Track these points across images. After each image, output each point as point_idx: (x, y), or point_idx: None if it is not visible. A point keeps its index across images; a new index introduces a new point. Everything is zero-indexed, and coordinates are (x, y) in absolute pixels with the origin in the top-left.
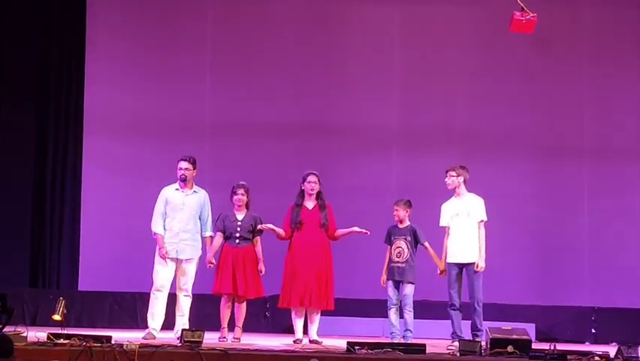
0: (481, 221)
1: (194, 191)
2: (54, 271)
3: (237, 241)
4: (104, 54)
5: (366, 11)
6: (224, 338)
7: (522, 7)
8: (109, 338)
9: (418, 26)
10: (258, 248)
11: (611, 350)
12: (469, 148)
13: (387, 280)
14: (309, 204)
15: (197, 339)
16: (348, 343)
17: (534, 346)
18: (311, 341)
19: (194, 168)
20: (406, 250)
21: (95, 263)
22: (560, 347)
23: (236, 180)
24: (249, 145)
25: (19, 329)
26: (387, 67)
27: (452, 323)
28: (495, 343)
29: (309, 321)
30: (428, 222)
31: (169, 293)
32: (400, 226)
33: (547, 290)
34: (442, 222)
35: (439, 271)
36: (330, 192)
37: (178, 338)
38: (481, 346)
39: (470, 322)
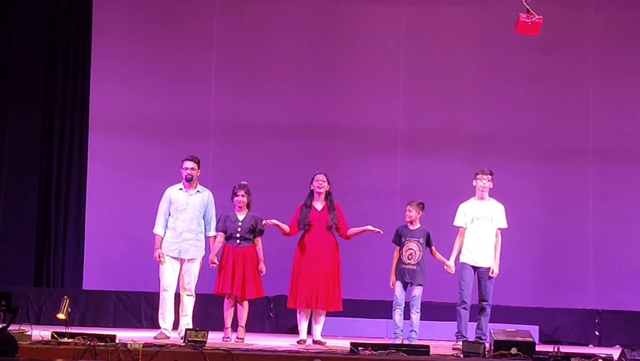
0: (501, 228)
1: (198, 191)
2: (58, 270)
3: (238, 241)
4: (111, 53)
5: (373, 12)
6: (228, 337)
7: (528, 10)
8: (113, 337)
9: (424, 28)
10: (259, 248)
11: (615, 352)
12: (475, 149)
13: (396, 280)
14: (318, 205)
15: (201, 339)
16: (352, 344)
17: (538, 348)
18: (314, 342)
19: (199, 168)
20: (417, 252)
21: (100, 262)
22: (564, 349)
23: (241, 180)
24: (253, 145)
25: (24, 327)
26: (393, 68)
27: (459, 322)
28: (499, 345)
29: (313, 322)
30: (433, 223)
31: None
32: (411, 227)
33: (551, 292)
34: (458, 222)
35: (451, 270)
36: (336, 194)
37: (182, 338)
38: (484, 348)
39: (475, 324)
